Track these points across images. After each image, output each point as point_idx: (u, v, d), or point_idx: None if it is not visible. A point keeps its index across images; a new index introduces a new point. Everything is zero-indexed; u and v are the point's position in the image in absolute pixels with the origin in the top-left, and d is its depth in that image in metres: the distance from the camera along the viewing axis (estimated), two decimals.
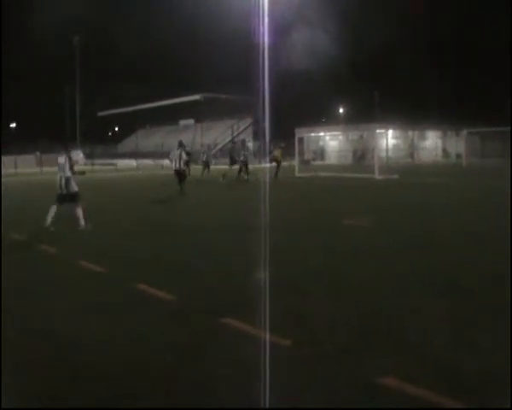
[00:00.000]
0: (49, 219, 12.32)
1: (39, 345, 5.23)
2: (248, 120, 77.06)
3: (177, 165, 21.74)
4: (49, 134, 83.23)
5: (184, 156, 22.42)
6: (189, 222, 13.80)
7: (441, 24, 72.97)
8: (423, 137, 68.45)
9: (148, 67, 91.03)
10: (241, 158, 29.51)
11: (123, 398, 4.08)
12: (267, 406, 3.82)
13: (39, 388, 4.27)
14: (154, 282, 7.34)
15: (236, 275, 7.86)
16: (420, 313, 5.92)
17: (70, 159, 12.69)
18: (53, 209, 12.45)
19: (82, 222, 12.35)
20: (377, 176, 30.33)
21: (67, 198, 12.57)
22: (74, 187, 12.63)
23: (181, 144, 22.57)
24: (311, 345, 5.00)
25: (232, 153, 31.76)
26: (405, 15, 73.74)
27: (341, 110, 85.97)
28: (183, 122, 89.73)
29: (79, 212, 12.46)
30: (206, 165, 32.38)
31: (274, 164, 31.56)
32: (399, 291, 6.82)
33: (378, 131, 39.64)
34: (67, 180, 12.48)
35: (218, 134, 77.40)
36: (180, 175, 21.68)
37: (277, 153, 32.27)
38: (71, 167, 12.54)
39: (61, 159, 12.60)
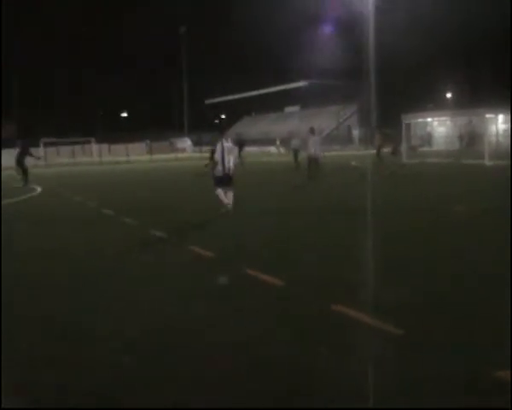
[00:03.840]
0: (225, 200, 12.98)
1: None
2: (354, 107, 76.87)
3: (314, 151, 21.50)
4: (158, 123, 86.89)
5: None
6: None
7: None
8: None
9: (254, 55, 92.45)
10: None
11: None
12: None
13: None
14: None
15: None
16: None
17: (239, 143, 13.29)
18: (220, 192, 13.06)
19: (231, 204, 12.89)
20: (487, 162, 29.92)
21: (225, 181, 12.99)
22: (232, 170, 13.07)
23: (313, 131, 22.34)
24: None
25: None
26: None
27: (449, 95, 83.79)
28: (288, 109, 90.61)
29: (231, 195, 12.95)
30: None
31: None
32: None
33: (487, 116, 38.76)
34: (229, 164, 12.95)
35: (322, 121, 77.76)
36: (316, 161, 21.55)
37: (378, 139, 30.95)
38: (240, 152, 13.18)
39: (228, 144, 13.17)
